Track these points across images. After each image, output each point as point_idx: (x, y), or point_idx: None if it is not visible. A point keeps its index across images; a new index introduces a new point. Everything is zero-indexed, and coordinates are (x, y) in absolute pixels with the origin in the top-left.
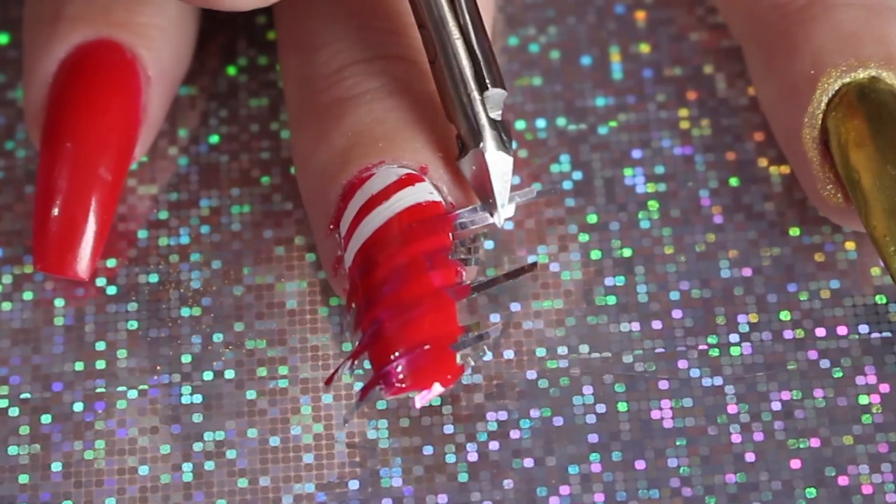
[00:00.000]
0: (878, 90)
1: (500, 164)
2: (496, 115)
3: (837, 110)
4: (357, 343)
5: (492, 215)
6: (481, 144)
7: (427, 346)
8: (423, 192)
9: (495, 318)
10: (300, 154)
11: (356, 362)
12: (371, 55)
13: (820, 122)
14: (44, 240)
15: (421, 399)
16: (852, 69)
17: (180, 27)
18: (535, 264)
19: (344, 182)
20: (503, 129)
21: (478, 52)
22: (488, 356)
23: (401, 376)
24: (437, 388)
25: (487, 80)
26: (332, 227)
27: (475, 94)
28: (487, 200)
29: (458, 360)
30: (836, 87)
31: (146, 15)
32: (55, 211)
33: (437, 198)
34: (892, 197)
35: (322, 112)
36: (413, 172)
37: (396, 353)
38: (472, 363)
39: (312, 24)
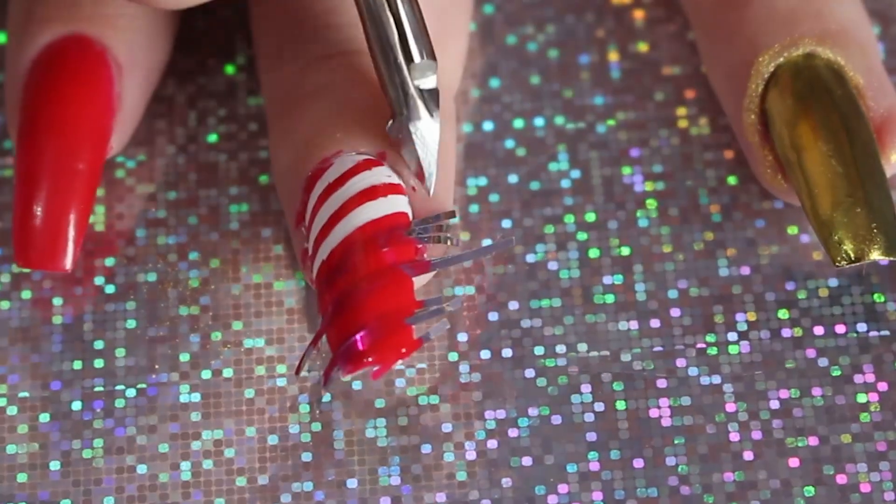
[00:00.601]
0: (813, 66)
1: (425, 133)
2: (426, 84)
3: (773, 91)
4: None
5: (423, 184)
6: (406, 113)
7: (378, 322)
8: (380, 175)
9: (493, 316)
10: (272, 155)
11: (318, 347)
12: (329, 52)
13: (758, 105)
14: (25, 237)
15: (373, 375)
16: (786, 49)
17: (151, 14)
18: (510, 241)
19: (305, 176)
20: (431, 99)
21: (405, 22)
22: (447, 328)
23: (356, 353)
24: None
25: (414, 51)
26: (297, 221)
27: (401, 62)
28: (416, 170)
29: (416, 333)
30: (772, 69)
31: (113, 6)
32: (36, 207)
33: (395, 180)
34: (824, 173)
35: (285, 113)
36: (370, 158)
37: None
38: (431, 337)
39: (278, 29)
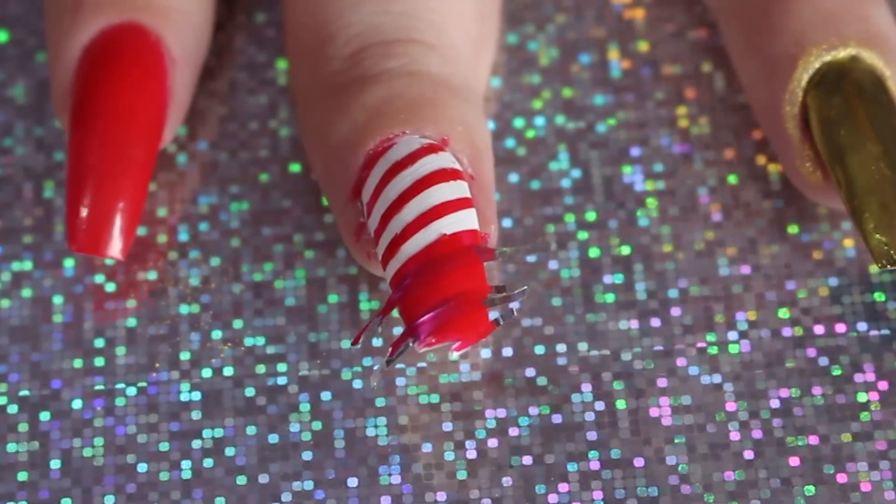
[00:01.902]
0: (858, 69)
1: None
2: None
3: (818, 88)
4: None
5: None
6: None
7: (458, 299)
8: (446, 160)
9: (494, 315)
10: (315, 129)
11: (384, 318)
12: (389, 38)
13: (800, 99)
14: (77, 220)
15: (456, 349)
16: (833, 48)
17: (201, 10)
18: (552, 237)
19: (366, 152)
20: None
21: None
22: (515, 314)
23: (432, 329)
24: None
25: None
26: (353, 196)
27: None
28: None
29: (490, 316)
30: (817, 66)
31: None
32: (88, 190)
33: (459, 167)
34: (872, 174)
35: (341, 89)
36: (434, 143)
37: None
38: (502, 321)
39: (329, 8)
